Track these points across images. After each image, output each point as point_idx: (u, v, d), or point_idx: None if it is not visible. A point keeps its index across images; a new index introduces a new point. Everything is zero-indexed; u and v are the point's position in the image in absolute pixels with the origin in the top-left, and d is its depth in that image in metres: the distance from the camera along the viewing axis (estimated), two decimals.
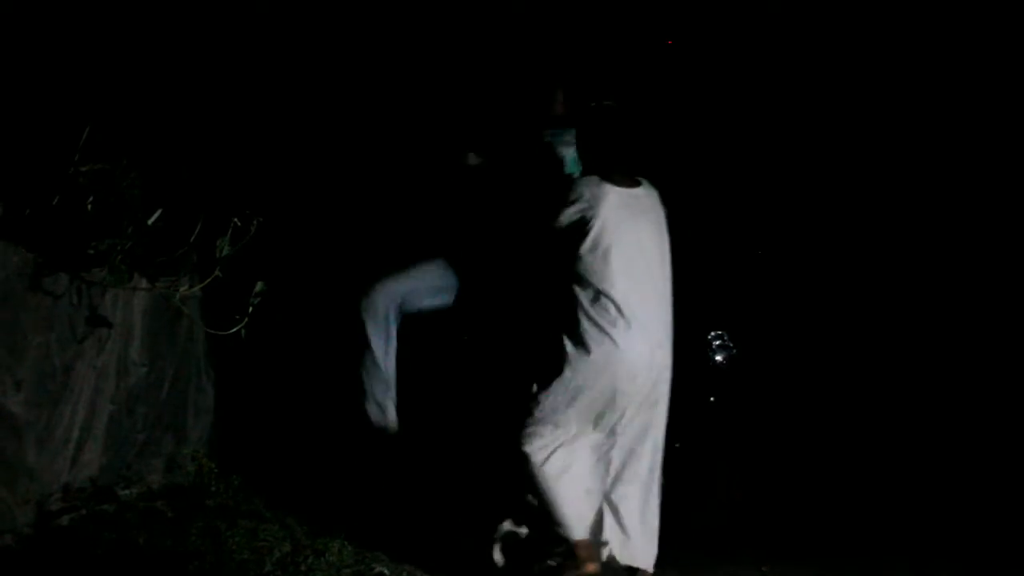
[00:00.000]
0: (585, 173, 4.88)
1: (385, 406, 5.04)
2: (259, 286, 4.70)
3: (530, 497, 4.77)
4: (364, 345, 5.03)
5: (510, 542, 4.90)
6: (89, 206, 4.37)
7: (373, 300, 5.00)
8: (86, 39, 4.93)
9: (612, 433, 4.71)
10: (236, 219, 4.56)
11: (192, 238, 4.58)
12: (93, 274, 4.44)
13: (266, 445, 5.58)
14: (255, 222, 4.60)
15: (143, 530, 4.50)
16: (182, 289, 4.74)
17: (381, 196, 5.99)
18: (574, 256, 4.68)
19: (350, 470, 5.52)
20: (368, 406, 5.06)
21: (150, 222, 4.49)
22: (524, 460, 4.67)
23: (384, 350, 5.00)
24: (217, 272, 4.64)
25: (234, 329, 4.76)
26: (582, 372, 4.63)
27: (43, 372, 4.36)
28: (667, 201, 4.92)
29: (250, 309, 4.69)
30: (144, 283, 4.67)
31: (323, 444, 5.66)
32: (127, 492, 4.78)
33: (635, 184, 4.83)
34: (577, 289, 4.68)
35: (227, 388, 5.57)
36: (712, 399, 6.13)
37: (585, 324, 4.65)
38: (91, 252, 4.40)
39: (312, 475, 5.51)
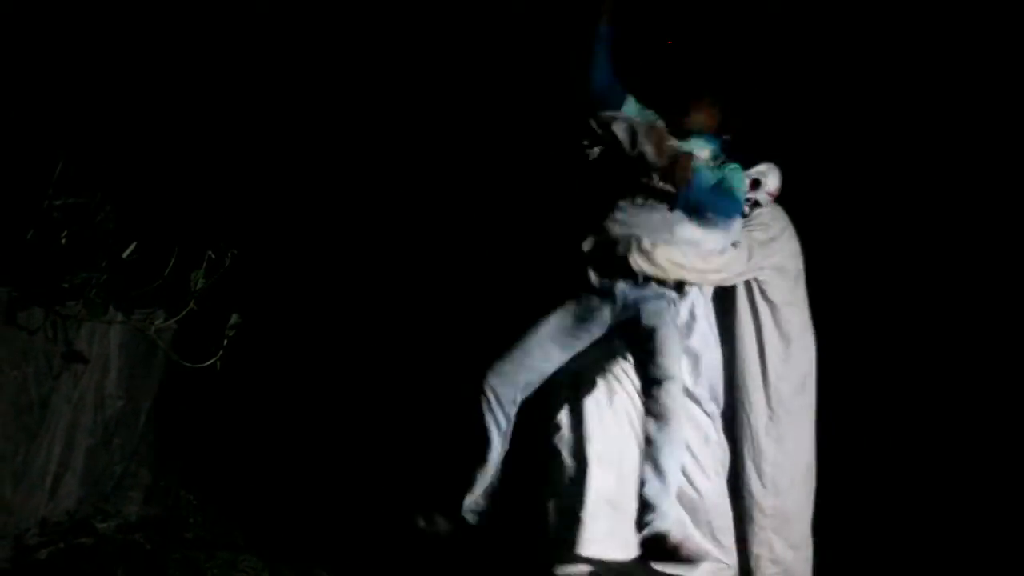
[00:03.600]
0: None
1: (480, 506, 4.72)
2: (234, 318, 4.72)
3: None
4: (482, 437, 4.65)
5: None
6: (63, 240, 4.39)
7: (497, 392, 4.62)
8: (59, 72, 4.95)
9: None
10: (210, 251, 4.59)
11: (167, 271, 4.59)
12: (68, 308, 4.46)
13: (244, 476, 5.57)
14: (230, 254, 4.62)
15: (121, 563, 4.50)
16: (157, 322, 4.75)
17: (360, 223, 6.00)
18: None
19: (330, 498, 5.51)
20: (467, 498, 4.69)
21: (125, 255, 4.51)
22: None
23: (500, 447, 4.68)
24: (192, 305, 4.65)
25: (210, 361, 4.78)
26: None
27: (19, 406, 4.37)
28: None
29: (225, 341, 4.71)
30: (119, 316, 4.69)
31: (301, 473, 5.66)
32: (105, 525, 4.78)
33: None
34: None
35: (204, 419, 5.57)
36: None
37: None
38: (66, 286, 4.41)
39: (292, 505, 5.50)
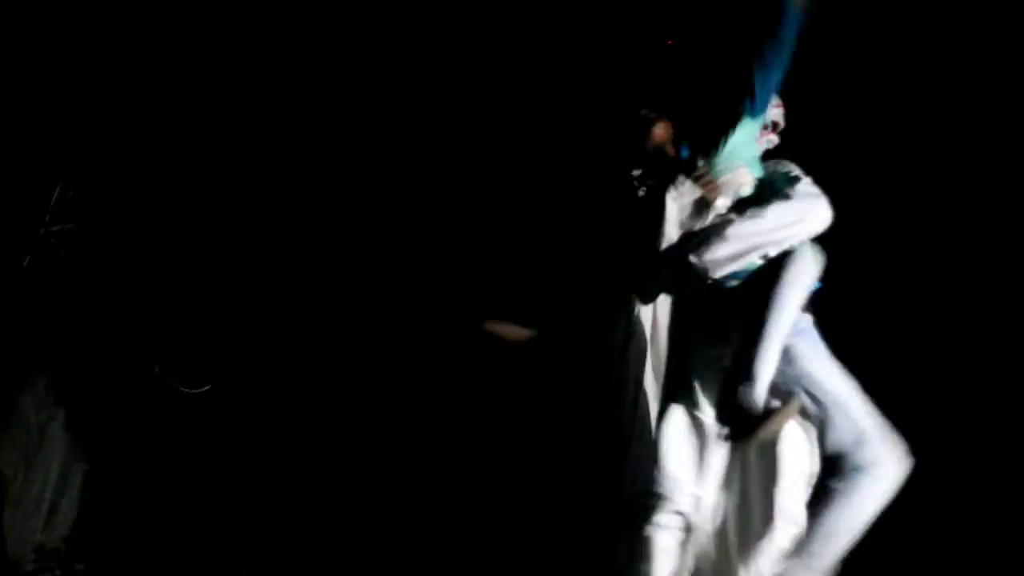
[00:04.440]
0: None
1: None
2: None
3: None
4: None
5: None
6: (61, 265, 4.43)
7: None
8: (55, 98, 4.98)
9: None
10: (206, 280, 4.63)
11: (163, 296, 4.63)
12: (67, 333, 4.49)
13: (243, 499, 5.54)
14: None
15: None
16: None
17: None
18: None
19: (328, 525, 5.49)
20: None
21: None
22: None
23: None
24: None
25: (207, 387, 4.80)
26: None
27: (18, 432, 4.39)
28: None
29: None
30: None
31: (300, 497, 5.62)
32: (101, 551, 4.78)
33: None
34: None
35: (202, 444, 5.55)
36: None
37: None
38: (63, 312, 4.45)
39: (290, 529, 5.48)
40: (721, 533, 4.19)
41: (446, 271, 5.79)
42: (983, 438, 5.64)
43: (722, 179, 4.27)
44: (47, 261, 4.40)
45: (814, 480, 4.10)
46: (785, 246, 4.11)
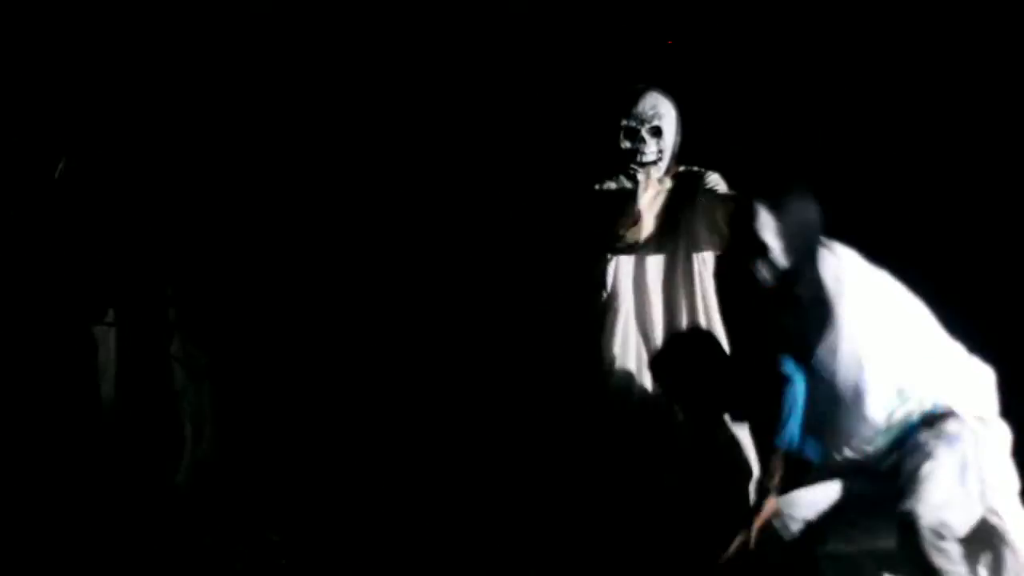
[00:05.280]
0: None
1: None
2: None
3: None
4: None
5: None
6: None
7: None
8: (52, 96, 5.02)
9: None
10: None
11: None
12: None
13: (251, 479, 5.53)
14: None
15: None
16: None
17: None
18: None
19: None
20: None
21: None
22: None
23: None
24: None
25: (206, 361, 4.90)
26: None
27: None
28: None
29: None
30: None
31: (302, 481, 5.63)
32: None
33: None
34: None
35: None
36: None
37: None
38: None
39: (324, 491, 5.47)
40: None
41: (443, 270, 5.83)
42: None
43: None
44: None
45: None
46: None
